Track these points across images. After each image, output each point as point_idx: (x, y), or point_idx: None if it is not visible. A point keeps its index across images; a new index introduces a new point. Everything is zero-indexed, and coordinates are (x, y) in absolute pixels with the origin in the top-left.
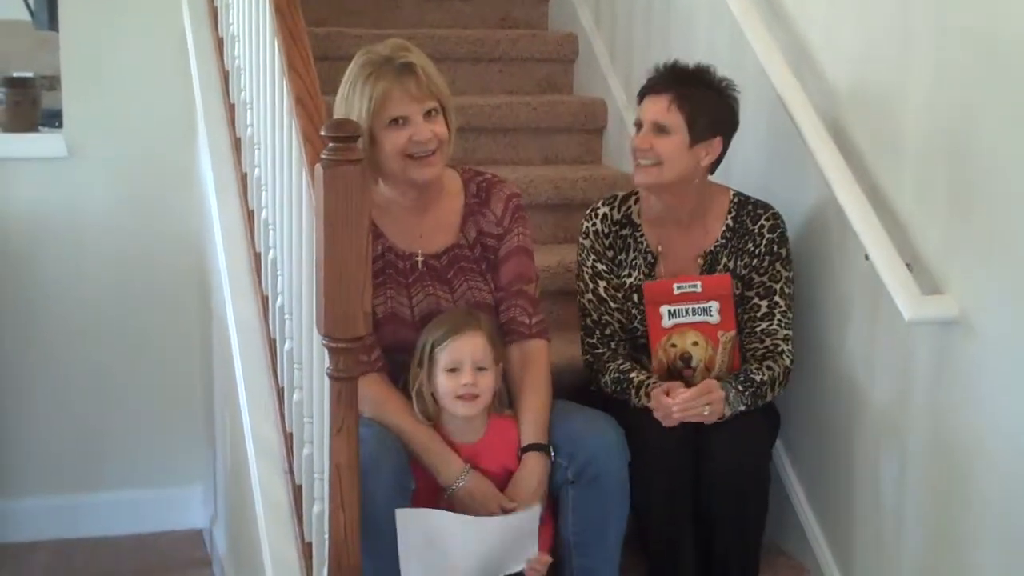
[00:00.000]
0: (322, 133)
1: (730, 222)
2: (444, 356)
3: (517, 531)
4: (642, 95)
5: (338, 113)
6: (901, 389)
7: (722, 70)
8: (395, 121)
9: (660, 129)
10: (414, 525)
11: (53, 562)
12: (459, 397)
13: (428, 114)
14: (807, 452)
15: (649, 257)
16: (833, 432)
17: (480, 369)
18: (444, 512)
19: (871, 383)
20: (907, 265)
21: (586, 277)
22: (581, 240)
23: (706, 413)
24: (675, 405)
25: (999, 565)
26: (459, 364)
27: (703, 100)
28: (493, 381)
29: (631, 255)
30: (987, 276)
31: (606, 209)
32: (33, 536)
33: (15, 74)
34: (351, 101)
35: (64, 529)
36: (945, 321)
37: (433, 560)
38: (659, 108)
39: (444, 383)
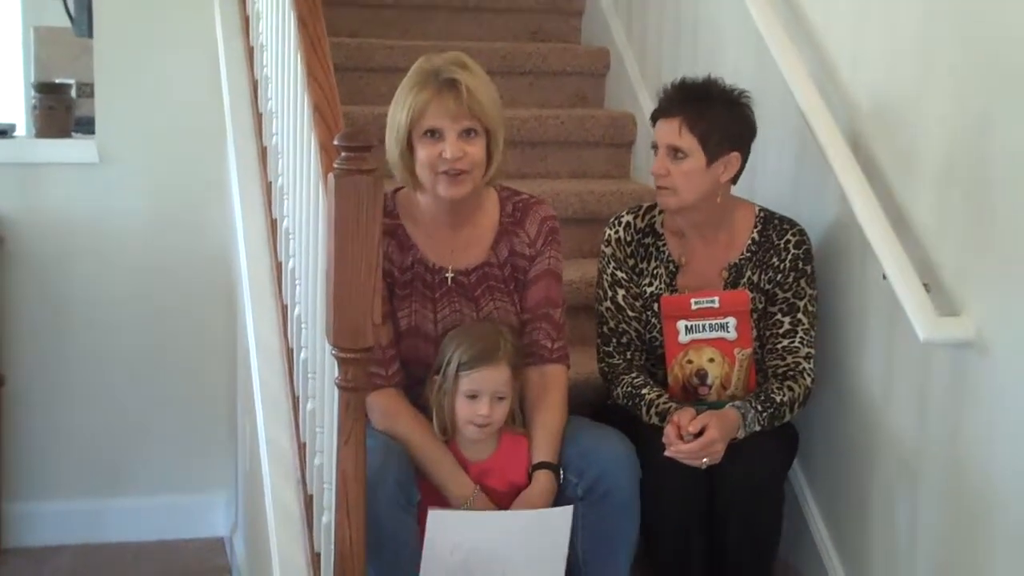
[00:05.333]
0: (335, 143)
1: (756, 236)
2: (466, 382)
3: (549, 529)
4: (655, 118)
5: (390, 116)
6: (917, 410)
7: (748, 84)
8: (429, 133)
9: (675, 152)
10: (445, 527)
11: (76, 566)
12: (472, 422)
13: (466, 134)
14: (823, 471)
15: (671, 267)
16: (849, 452)
17: (499, 398)
18: (476, 513)
19: (887, 404)
20: (925, 285)
21: (605, 285)
22: (603, 248)
23: (703, 466)
24: (671, 449)
25: None
26: (479, 394)
27: (715, 118)
28: (508, 407)
29: (653, 264)
30: (1004, 298)
31: (629, 217)
32: (57, 540)
33: (57, 80)
34: (395, 109)
35: (87, 534)
36: (961, 342)
37: (455, 565)
38: (671, 132)
39: (462, 407)
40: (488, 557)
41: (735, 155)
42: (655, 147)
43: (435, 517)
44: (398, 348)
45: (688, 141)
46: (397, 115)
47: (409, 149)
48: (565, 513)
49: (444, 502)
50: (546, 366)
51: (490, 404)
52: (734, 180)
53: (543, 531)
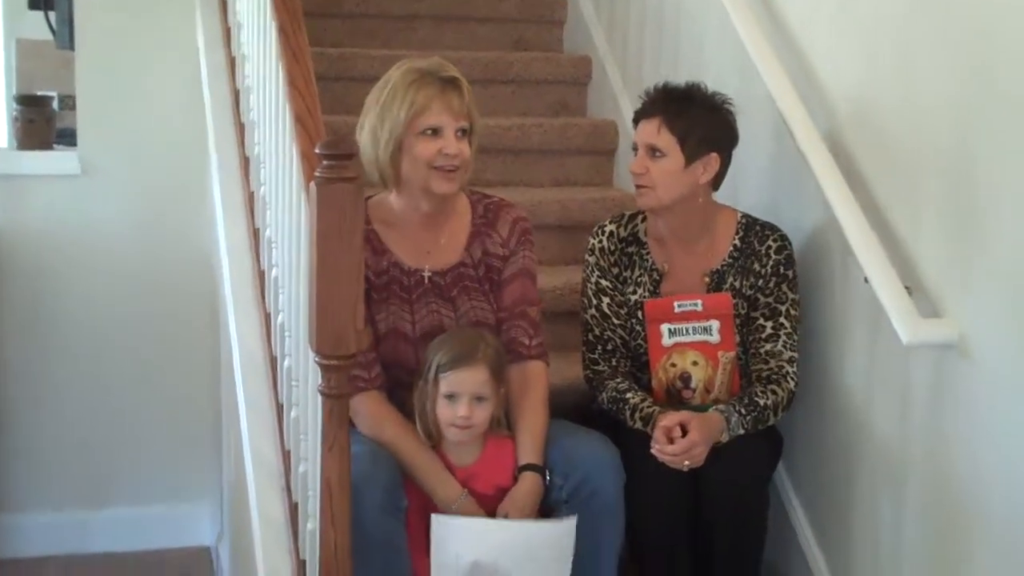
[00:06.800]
0: (316, 151)
1: (737, 242)
2: (444, 384)
3: (553, 542)
4: (636, 119)
5: (367, 119)
6: (900, 412)
7: (730, 91)
8: (429, 131)
9: (654, 151)
10: (448, 534)
11: None
12: (453, 424)
13: (461, 132)
14: (808, 474)
15: (655, 275)
16: (833, 455)
17: (479, 399)
18: (480, 519)
19: (871, 406)
20: (907, 288)
21: (590, 293)
22: (586, 256)
23: (684, 469)
24: (655, 447)
25: None
26: (458, 395)
27: (694, 118)
28: (491, 410)
29: (636, 272)
30: (986, 300)
31: (613, 227)
32: (43, 551)
33: (39, 92)
34: (389, 107)
35: (73, 545)
36: (943, 345)
37: (462, 573)
38: (650, 131)
39: (442, 409)
40: (492, 569)
41: (714, 156)
42: (635, 148)
43: (439, 523)
44: (378, 351)
45: (666, 140)
46: (392, 113)
47: (397, 149)
48: (569, 525)
49: (431, 507)
50: (526, 363)
51: (469, 405)
52: (715, 186)
53: (547, 543)
